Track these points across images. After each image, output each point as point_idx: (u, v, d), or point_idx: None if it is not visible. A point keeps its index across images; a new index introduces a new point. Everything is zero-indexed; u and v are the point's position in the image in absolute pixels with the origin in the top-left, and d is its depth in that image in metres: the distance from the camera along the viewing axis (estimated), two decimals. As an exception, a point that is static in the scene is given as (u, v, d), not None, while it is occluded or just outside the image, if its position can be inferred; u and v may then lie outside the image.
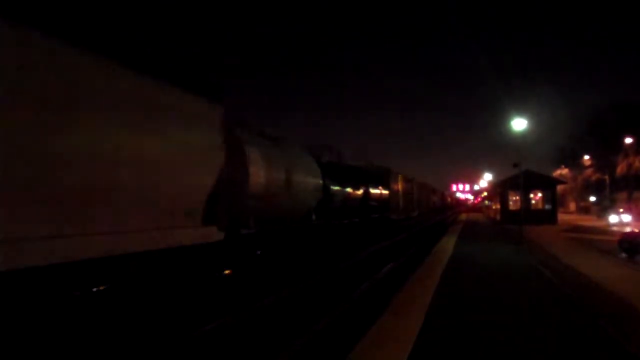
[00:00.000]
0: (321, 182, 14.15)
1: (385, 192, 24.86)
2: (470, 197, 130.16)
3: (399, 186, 30.00)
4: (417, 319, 6.45)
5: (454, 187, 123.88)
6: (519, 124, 20.61)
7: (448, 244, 17.65)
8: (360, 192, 19.55)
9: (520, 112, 21.75)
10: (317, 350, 6.13)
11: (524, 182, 22.88)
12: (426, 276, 10.27)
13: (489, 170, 75.81)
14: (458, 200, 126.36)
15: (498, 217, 39.12)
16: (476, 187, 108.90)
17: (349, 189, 17.86)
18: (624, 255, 13.97)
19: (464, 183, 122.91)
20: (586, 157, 54.07)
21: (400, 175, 30.41)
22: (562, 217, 38.28)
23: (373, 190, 22.03)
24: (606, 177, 48.06)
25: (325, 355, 5.94)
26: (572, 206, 64.67)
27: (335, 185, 15.93)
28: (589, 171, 53.27)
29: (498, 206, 41.13)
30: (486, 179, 75.51)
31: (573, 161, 58.22)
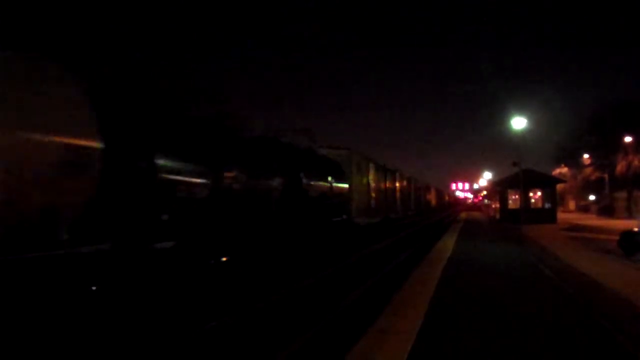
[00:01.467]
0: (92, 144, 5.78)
1: (341, 185, 17.19)
2: (469, 195, 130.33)
3: (370, 178, 22.04)
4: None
5: (454, 186, 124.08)
6: (518, 122, 20.62)
7: (447, 243, 17.64)
8: (276, 182, 11.52)
9: (520, 110, 21.76)
10: None
11: (524, 180, 22.92)
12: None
13: (489, 169, 75.84)
14: (457, 199, 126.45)
15: (498, 215, 39.14)
16: (476, 186, 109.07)
17: (236, 173, 9.63)
18: (623, 254, 13.95)
19: (463, 182, 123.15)
20: (586, 155, 54.05)
21: (370, 164, 22.19)
22: (561, 215, 38.26)
23: (314, 182, 14.31)
24: (606, 176, 48.03)
25: None
26: (572, 205, 64.66)
27: (181, 163, 7.85)
28: (588, 170, 53.23)
29: (498, 205, 41.15)
30: (486, 178, 75.62)
31: (572, 160, 58.21)
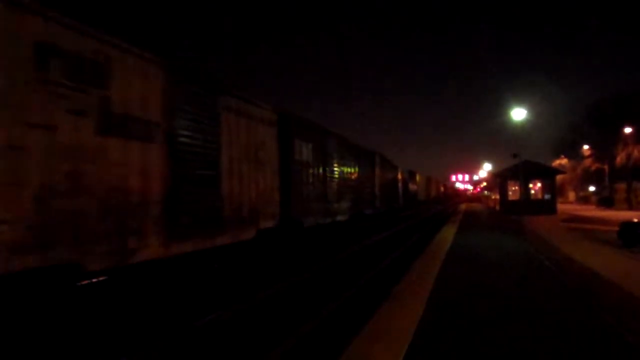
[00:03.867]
0: None
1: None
2: (469, 187, 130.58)
3: (210, 132, 8.34)
4: None
5: (454, 178, 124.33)
6: (518, 114, 20.55)
7: (447, 234, 17.63)
8: None
9: (520, 102, 21.67)
10: None
11: (523, 172, 22.88)
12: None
13: (489, 160, 75.84)
14: (457, 190, 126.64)
15: (497, 207, 39.19)
16: (475, 177, 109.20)
17: None
18: (623, 245, 13.95)
19: (463, 173, 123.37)
20: (585, 147, 54.07)
21: (228, 99, 9.18)
22: (561, 207, 38.29)
23: None
24: (605, 167, 48.04)
25: None
26: (572, 196, 64.76)
27: None
28: (588, 161, 53.28)
29: (497, 196, 41.16)
30: (485, 169, 75.66)
31: (572, 151, 58.26)
